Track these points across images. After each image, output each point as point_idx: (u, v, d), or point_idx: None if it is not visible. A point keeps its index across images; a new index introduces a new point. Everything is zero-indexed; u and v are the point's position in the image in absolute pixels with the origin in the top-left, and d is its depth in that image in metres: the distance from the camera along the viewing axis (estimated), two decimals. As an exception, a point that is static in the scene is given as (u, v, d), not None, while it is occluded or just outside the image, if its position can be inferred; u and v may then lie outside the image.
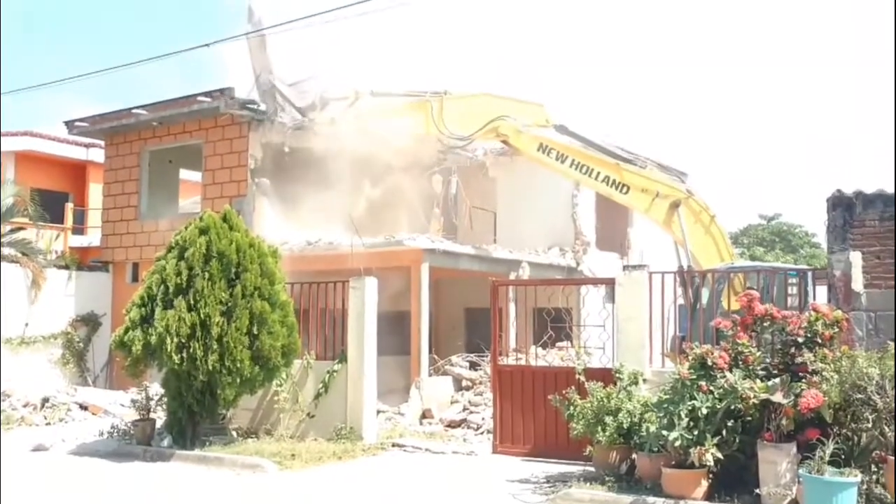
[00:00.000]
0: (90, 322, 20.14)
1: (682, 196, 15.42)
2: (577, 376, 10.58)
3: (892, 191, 9.08)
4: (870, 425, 7.78)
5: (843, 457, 7.54)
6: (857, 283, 9.04)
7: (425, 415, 14.99)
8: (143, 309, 11.87)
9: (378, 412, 13.75)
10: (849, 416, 7.96)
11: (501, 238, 20.81)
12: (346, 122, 16.83)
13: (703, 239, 15.24)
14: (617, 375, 10.22)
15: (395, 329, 17.36)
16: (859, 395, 7.85)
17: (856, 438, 7.90)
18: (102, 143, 22.48)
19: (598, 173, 16.01)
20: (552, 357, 15.40)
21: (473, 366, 16.62)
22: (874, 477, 7.73)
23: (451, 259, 17.03)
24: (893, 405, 7.69)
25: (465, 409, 15.00)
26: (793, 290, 10.87)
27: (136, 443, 12.47)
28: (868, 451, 7.81)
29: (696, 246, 15.27)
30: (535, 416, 11.38)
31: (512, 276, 17.94)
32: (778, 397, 8.07)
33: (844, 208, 9.21)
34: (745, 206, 73.07)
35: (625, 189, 15.82)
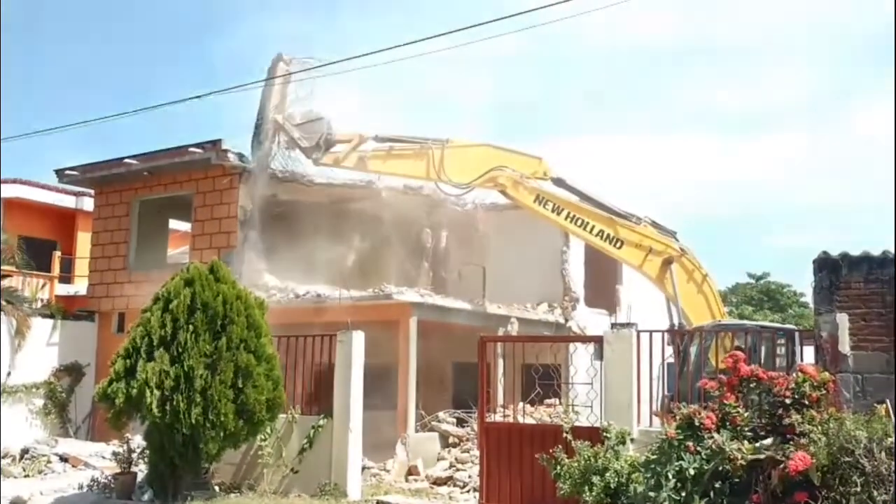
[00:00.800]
0: (73, 372, 19.89)
1: (675, 253, 15.63)
2: (564, 434, 10.46)
3: (877, 253, 9.14)
4: (858, 489, 7.70)
5: (831, 521, 7.45)
6: (845, 345, 9.04)
7: (411, 471, 14.82)
8: (127, 361, 11.76)
9: (363, 468, 13.58)
10: (837, 479, 7.88)
11: (491, 293, 20.80)
12: (349, 164, 16.96)
13: (695, 297, 15.42)
14: (604, 434, 10.12)
15: (381, 383, 17.22)
16: (847, 458, 7.78)
17: (844, 502, 7.80)
18: (92, 191, 22.51)
19: (593, 227, 16.27)
20: (540, 414, 15.31)
21: (461, 422, 16.48)
22: (863, 541, 7.64)
23: (439, 313, 16.99)
24: (881, 468, 7.63)
25: (451, 466, 14.84)
26: (780, 349, 10.87)
27: (116, 497, 12.26)
28: (857, 515, 7.72)
29: (688, 303, 15.42)
30: (523, 474, 11.23)
31: (501, 332, 17.90)
32: (769, 455, 8.02)
33: (830, 270, 9.25)
34: (733, 265, 73.49)
35: (619, 244, 16.05)
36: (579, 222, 16.46)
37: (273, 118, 17.27)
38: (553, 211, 16.65)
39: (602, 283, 22.08)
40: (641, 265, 16.02)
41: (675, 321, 15.34)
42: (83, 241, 24.88)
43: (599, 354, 11.02)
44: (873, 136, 66.29)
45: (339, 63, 14.49)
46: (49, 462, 15.76)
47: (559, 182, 17.13)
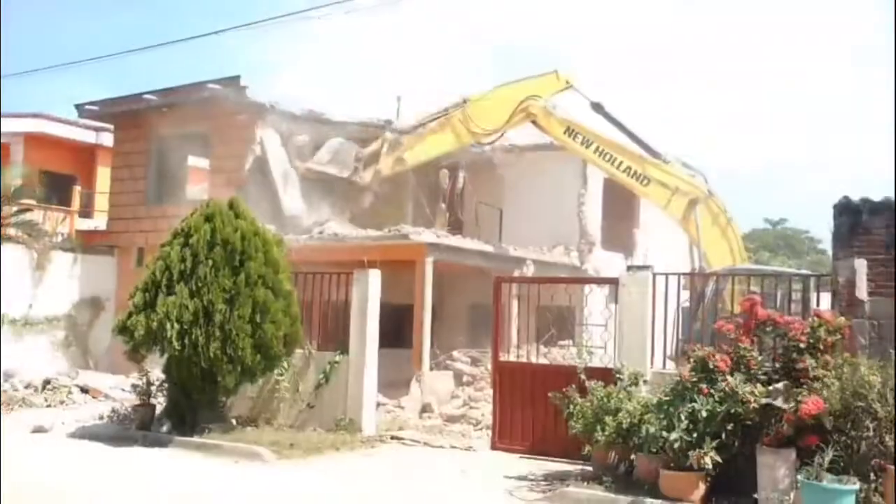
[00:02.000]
0: (94, 305, 20.17)
1: (701, 195, 15.41)
2: (577, 375, 10.55)
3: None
4: (870, 433, 7.77)
5: (841, 464, 7.52)
6: (862, 291, 8.99)
7: (425, 409, 15.00)
8: (146, 294, 11.88)
9: (378, 405, 13.75)
10: (849, 424, 7.94)
11: (507, 235, 20.78)
12: (389, 171, 17.13)
13: (719, 241, 15.23)
14: (618, 375, 10.19)
15: (397, 322, 17.36)
16: (860, 403, 7.83)
17: (855, 446, 7.87)
18: (112, 127, 22.53)
19: (621, 162, 16.07)
20: (554, 355, 15.40)
21: (475, 361, 16.61)
22: (873, 485, 7.70)
23: (455, 254, 17.01)
24: (894, 414, 7.67)
25: (465, 404, 15.00)
26: (796, 295, 10.84)
27: (135, 428, 12.49)
28: (867, 460, 7.78)
29: (711, 247, 15.21)
30: (535, 413, 11.37)
31: (516, 274, 17.91)
32: (779, 402, 8.07)
33: (851, 215, 9.16)
34: (751, 210, 72.98)
35: (646, 181, 15.84)
36: (607, 157, 16.23)
37: (307, 168, 17.69)
38: (582, 143, 16.46)
39: (619, 227, 22.00)
40: (667, 205, 15.79)
41: (697, 264, 15.22)
42: (103, 176, 25.00)
43: (615, 297, 11.04)
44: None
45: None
46: (70, 393, 16.08)
47: (597, 107, 16.76)
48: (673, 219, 15.84)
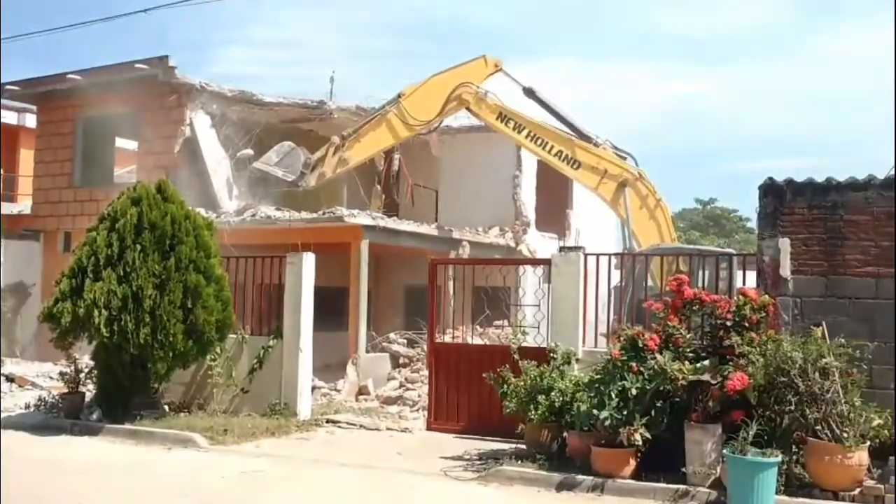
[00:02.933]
0: (19, 292, 19.61)
1: (630, 177, 15.81)
2: (512, 355, 10.66)
3: (821, 180, 9.32)
4: (792, 407, 8.00)
5: (765, 438, 7.74)
6: (786, 269, 9.27)
7: (361, 391, 14.98)
8: (73, 280, 11.60)
9: (314, 388, 13.70)
10: (772, 399, 8.17)
11: (443, 217, 20.83)
12: (332, 173, 17.35)
13: (647, 222, 15.61)
14: (551, 355, 10.33)
15: (333, 305, 17.25)
16: (783, 378, 8.07)
17: (778, 420, 8.11)
18: (35, 108, 21.85)
19: (552, 147, 16.50)
20: (489, 335, 15.51)
21: (411, 343, 16.64)
22: (794, 457, 7.97)
23: (391, 236, 16.98)
24: (814, 388, 7.92)
25: (401, 385, 15.02)
26: (723, 273, 11.10)
27: (64, 416, 12.22)
28: (789, 433, 8.03)
29: (639, 228, 15.63)
30: (470, 393, 11.45)
31: (452, 255, 17.97)
32: (707, 378, 8.27)
33: (775, 196, 9.42)
34: (681, 189, 74.44)
35: (576, 165, 16.24)
36: (539, 141, 16.61)
37: (254, 168, 17.67)
38: (514, 129, 16.81)
39: (552, 208, 22.22)
40: (597, 187, 16.20)
41: (627, 245, 15.54)
42: (26, 159, 24.23)
43: (548, 277, 11.16)
44: (826, 64, 66.86)
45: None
46: (-5, 382, 15.62)
47: (529, 92, 17.14)
48: (603, 200, 16.15)
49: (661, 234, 15.66)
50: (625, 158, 16.97)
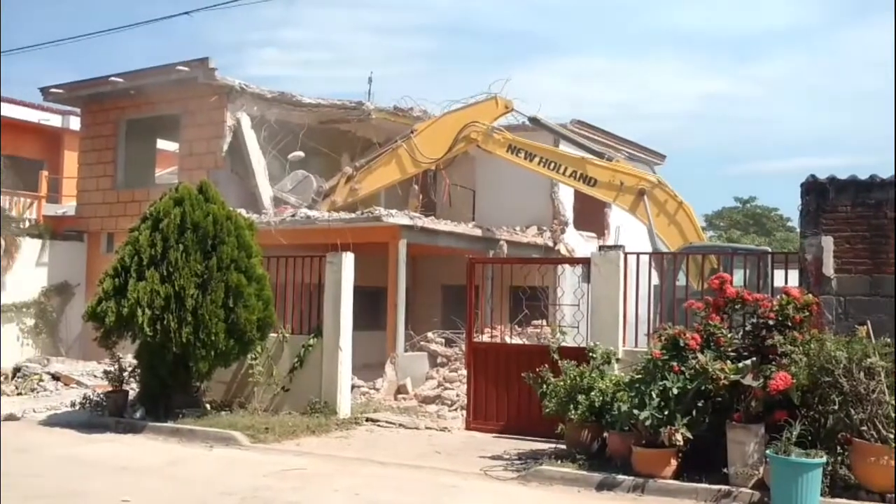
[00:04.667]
0: (64, 292, 19.95)
1: (647, 185, 16.18)
2: (550, 355, 10.64)
3: (865, 177, 9.17)
4: (836, 407, 7.90)
5: (809, 438, 7.65)
6: (829, 268, 9.14)
7: (400, 390, 15.04)
8: (116, 280, 11.78)
9: (353, 387, 13.78)
10: (816, 399, 8.07)
11: (480, 216, 20.82)
12: (342, 201, 18.46)
13: (667, 228, 15.92)
14: (590, 354, 10.29)
15: (371, 304, 17.38)
16: (827, 378, 7.96)
17: (822, 420, 8.01)
18: (78, 110, 22.23)
19: (566, 168, 17.40)
20: (527, 335, 15.49)
21: (449, 342, 16.66)
22: (839, 458, 7.85)
23: (428, 236, 17.02)
24: (859, 388, 7.80)
25: (439, 385, 15.05)
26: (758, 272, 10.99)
27: (108, 414, 12.43)
28: (834, 433, 7.92)
29: (662, 232, 15.99)
30: (509, 393, 11.45)
31: (490, 254, 17.97)
32: (748, 379, 8.19)
33: (818, 194, 9.30)
34: (720, 188, 73.73)
35: (592, 182, 16.86)
36: (552, 165, 17.43)
37: (272, 196, 18.56)
38: (526, 158, 17.68)
39: (591, 207, 22.09)
40: (615, 200, 16.85)
41: (654, 248, 15.68)
42: (70, 161, 24.66)
43: (587, 276, 11.12)
44: (867, 62, 65.77)
45: None
46: (41, 381, 15.92)
47: (534, 121, 18.15)
48: (624, 210, 16.59)
49: (683, 236, 15.81)
50: (657, 160, 17.22)
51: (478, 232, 18.39)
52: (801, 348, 8.32)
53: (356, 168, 18.57)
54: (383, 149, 18.65)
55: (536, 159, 17.51)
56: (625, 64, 69.92)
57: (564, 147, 18.53)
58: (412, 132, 18.29)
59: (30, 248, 19.48)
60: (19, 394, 15.16)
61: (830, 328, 8.84)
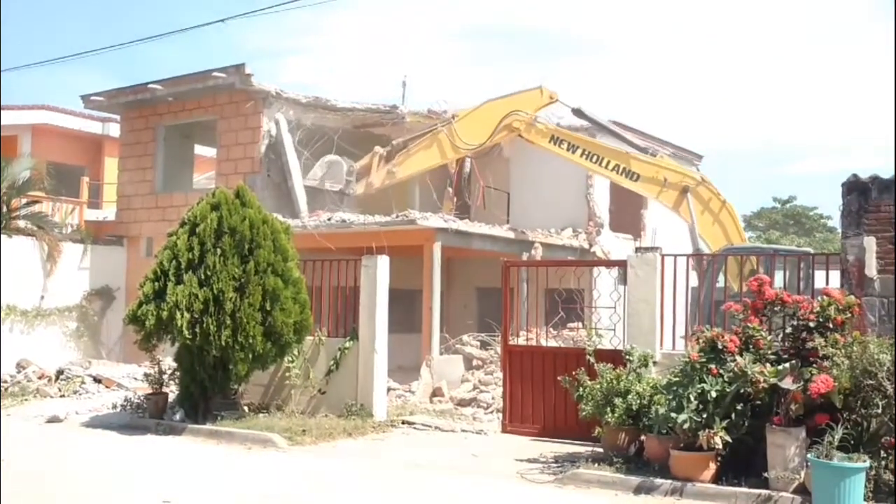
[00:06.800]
0: (105, 295, 20.27)
1: (692, 183, 15.86)
2: (587, 357, 10.58)
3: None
4: (879, 411, 7.77)
5: (851, 442, 7.53)
6: (871, 269, 8.97)
7: (435, 393, 15.05)
8: (156, 283, 11.92)
9: (388, 390, 13.81)
10: (859, 402, 7.94)
11: (514, 218, 20.78)
12: (379, 184, 18.50)
13: (711, 227, 15.64)
14: (627, 357, 10.22)
15: (406, 307, 17.43)
16: (870, 381, 7.83)
17: (865, 424, 7.88)
18: (118, 117, 22.58)
19: (608, 162, 17.02)
20: (563, 338, 15.42)
21: (484, 345, 16.65)
22: (883, 463, 7.71)
23: (463, 239, 17.02)
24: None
25: (475, 387, 15.04)
26: (802, 273, 10.82)
27: (148, 416, 12.58)
28: (877, 437, 7.79)
29: (705, 232, 15.68)
30: (545, 396, 11.41)
31: (524, 257, 17.94)
32: (787, 382, 8.07)
33: (859, 193, 9.12)
34: (759, 188, 72.83)
35: (635, 177, 16.49)
36: (594, 158, 17.05)
37: (304, 186, 18.57)
38: (568, 149, 17.29)
39: (627, 208, 21.96)
40: (658, 196, 16.43)
41: (696, 249, 15.47)
42: (110, 167, 25.03)
43: (623, 278, 11.04)
44: (909, 58, 64.52)
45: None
46: (83, 383, 16.16)
47: (578, 113, 17.66)
48: (666, 208, 16.28)
49: (727, 236, 15.58)
50: (699, 158, 16.90)
51: (512, 234, 18.36)
52: (842, 351, 8.18)
53: (391, 149, 18.22)
54: (422, 132, 18.40)
55: (579, 151, 17.13)
56: (665, 62, 69.39)
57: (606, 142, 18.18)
58: (453, 117, 18.06)
59: (72, 252, 19.80)
60: (62, 396, 15.41)
61: (873, 330, 8.68)
